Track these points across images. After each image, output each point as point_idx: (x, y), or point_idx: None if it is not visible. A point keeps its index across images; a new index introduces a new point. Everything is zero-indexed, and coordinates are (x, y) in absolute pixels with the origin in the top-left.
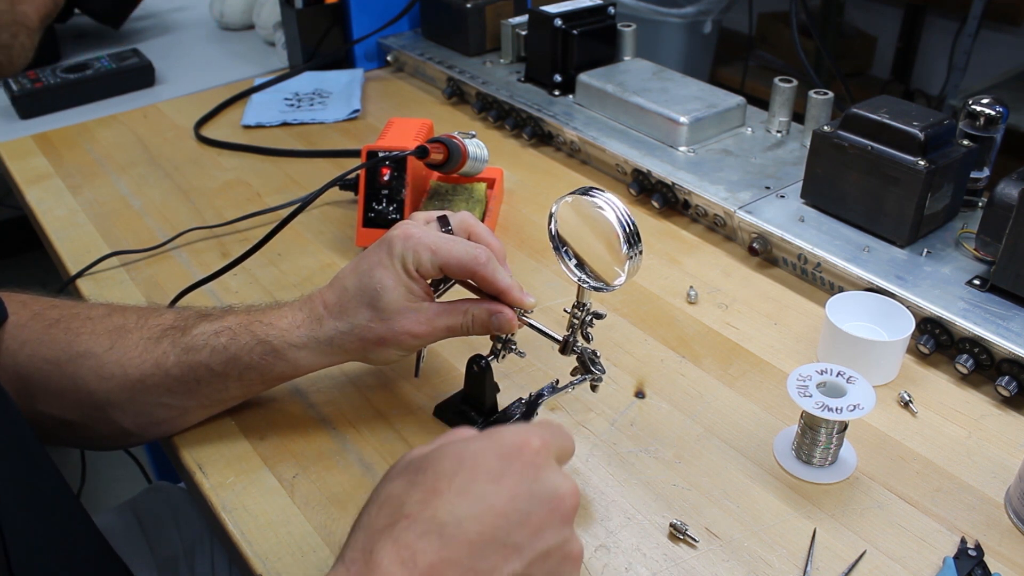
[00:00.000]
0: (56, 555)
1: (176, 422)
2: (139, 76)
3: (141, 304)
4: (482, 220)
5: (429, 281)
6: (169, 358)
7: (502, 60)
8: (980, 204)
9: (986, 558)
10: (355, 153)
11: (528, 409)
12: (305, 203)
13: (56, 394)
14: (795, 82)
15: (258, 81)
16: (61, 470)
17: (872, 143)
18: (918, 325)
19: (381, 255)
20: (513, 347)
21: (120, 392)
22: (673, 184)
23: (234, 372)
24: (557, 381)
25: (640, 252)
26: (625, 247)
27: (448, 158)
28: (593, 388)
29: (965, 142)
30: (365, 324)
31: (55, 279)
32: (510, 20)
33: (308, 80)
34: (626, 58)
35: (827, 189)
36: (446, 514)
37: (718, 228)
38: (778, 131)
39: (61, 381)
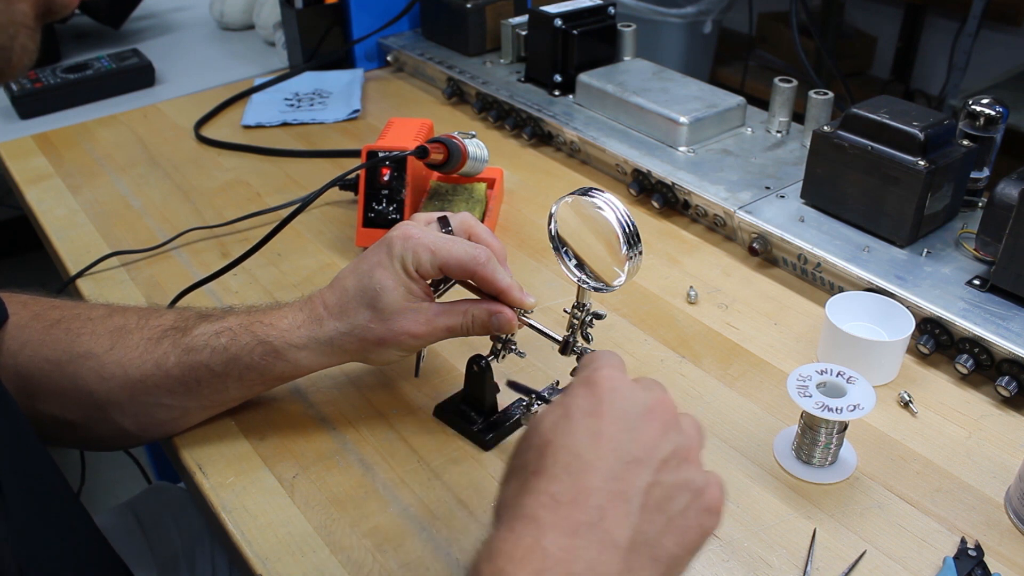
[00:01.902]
0: (58, 554)
1: (176, 423)
2: (139, 76)
3: (141, 304)
4: (482, 220)
5: (429, 282)
6: (170, 359)
7: (502, 60)
8: (980, 204)
9: (986, 558)
10: (355, 153)
11: (527, 410)
12: (305, 203)
13: (57, 394)
14: (795, 82)
15: (258, 81)
16: (61, 469)
17: (872, 143)
18: (918, 325)
19: (381, 256)
20: (513, 347)
21: (120, 392)
22: (673, 184)
23: (234, 372)
24: (557, 382)
25: (640, 252)
26: (625, 247)
27: (448, 158)
28: None
29: (965, 142)
30: (365, 325)
31: (55, 279)
32: (510, 20)
33: (308, 80)
34: (626, 58)
35: (827, 189)
36: (564, 453)
37: (718, 228)
38: (778, 131)
39: (62, 381)
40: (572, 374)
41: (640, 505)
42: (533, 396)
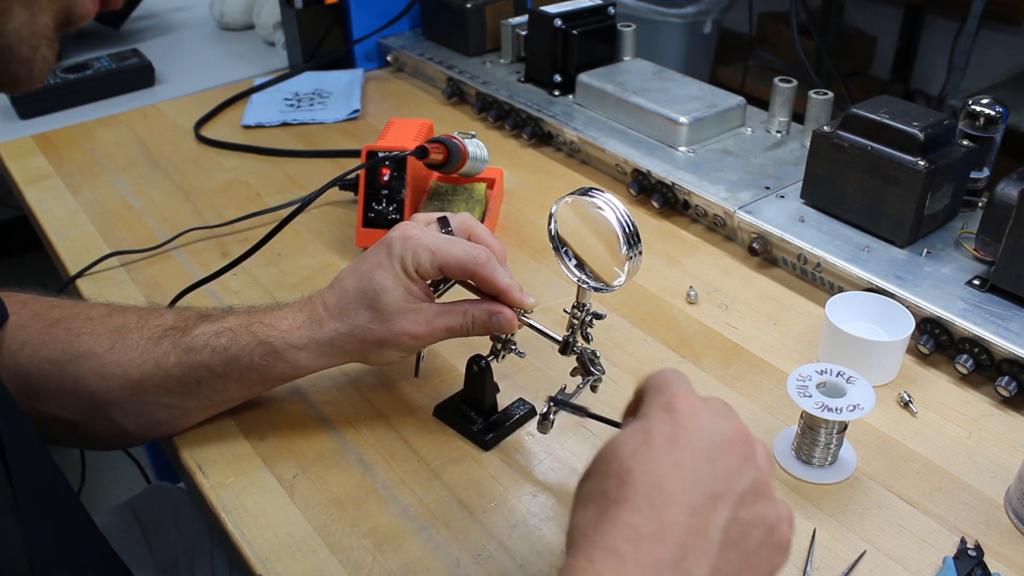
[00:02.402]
0: (61, 554)
1: (176, 422)
2: (139, 76)
3: (141, 304)
4: (482, 220)
5: (429, 282)
6: (170, 358)
7: (502, 60)
8: (980, 204)
9: (986, 558)
10: (355, 153)
11: (542, 416)
12: (305, 203)
13: (57, 394)
14: (795, 82)
15: (258, 81)
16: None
17: (872, 143)
18: (918, 325)
19: (381, 256)
20: (513, 347)
21: (120, 392)
22: (673, 184)
23: (234, 373)
24: (564, 387)
25: (640, 252)
26: (625, 247)
27: (448, 158)
28: (593, 388)
29: (965, 142)
30: (365, 325)
31: (55, 279)
32: (510, 20)
33: (308, 80)
34: (626, 58)
35: (827, 189)
36: (646, 483)
37: (718, 228)
38: (778, 131)
39: (62, 381)
40: (572, 374)
41: (719, 543)
42: (584, 415)
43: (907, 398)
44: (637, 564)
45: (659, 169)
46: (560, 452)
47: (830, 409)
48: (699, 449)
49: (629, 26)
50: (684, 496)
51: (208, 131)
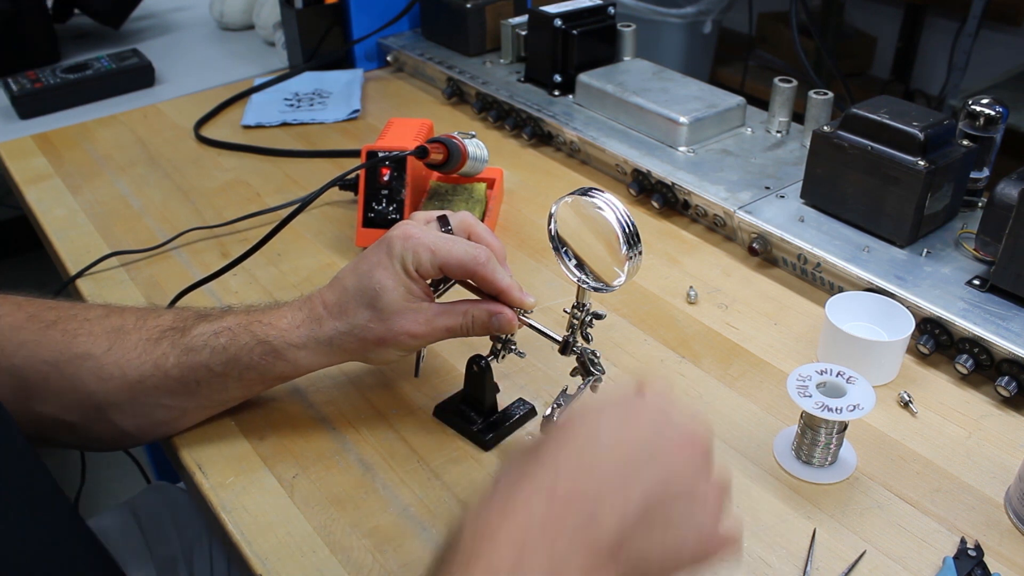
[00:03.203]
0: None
1: (175, 423)
2: (139, 76)
3: (141, 304)
4: (482, 220)
5: (429, 281)
6: (169, 359)
7: (502, 60)
8: (980, 204)
9: (986, 558)
10: (355, 153)
11: (545, 418)
12: (305, 203)
13: (55, 395)
14: (795, 82)
15: (258, 81)
16: (61, 470)
17: (872, 143)
18: (918, 325)
19: (381, 255)
20: (513, 347)
21: (119, 393)
22: (673, 184)
23: (234, 372)
24: (567, 388)
25: (640, 252)
26: (625, 247)
27: (448, 158)
28: (593, 388)
29: (965, 142)
30: (364, 324)
31: (55, 279)
32: (510, 20)
33: (308, 80)
34: (626, 58)
35: (827, 189)
36: (565, 459)
37: (718, 228)
38: (778, 131)
39: (59, 382)
40: (572, 374)
41: (634, 522)
42: None
43: (907, 398)
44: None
45: (659, 169)
46: None
47: (830, 409)
48: (639, 426)
49: (629, 26)
50: (609, 465)
51: (208, 131)
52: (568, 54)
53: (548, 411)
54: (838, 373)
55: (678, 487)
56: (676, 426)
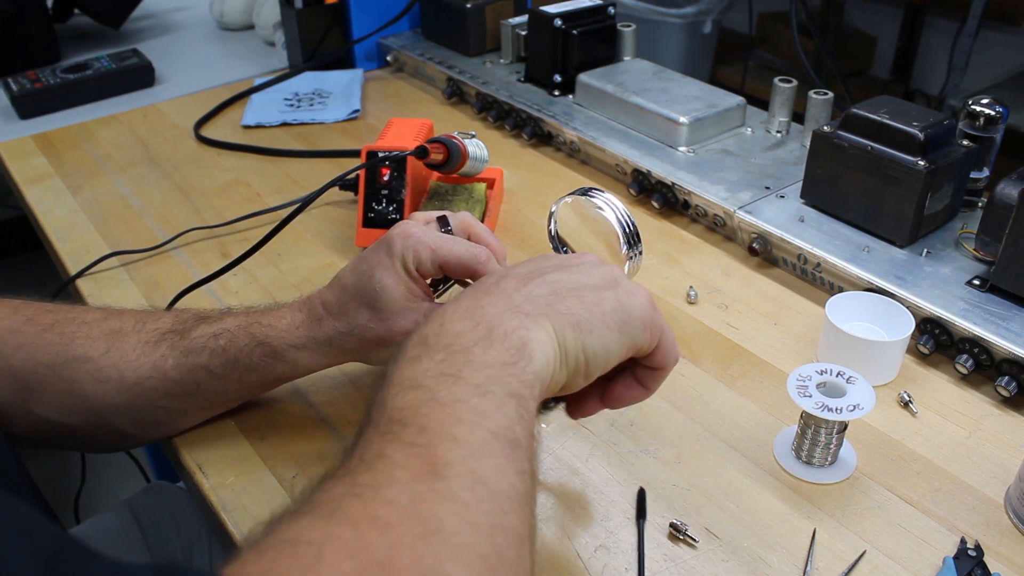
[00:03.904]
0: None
1: (175, 424)
2: (139, 76)
3: (141, 304)
4: (482, 220)
5: (429, 281)
6: (168, 361)
7: (502, 60)
8: (980, 204)
9: (986, 558)
10: (355, 153)
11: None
12: (305, 203)
13: (53, 398)
14: (795, 82)
15: (258, 81)
16: (61, 470)
17: (872, 143)
18: (918, 325)
19: (381, 255)
20: None
21: (117, 396)
22: (673, 184)
23: (234, 374)
24: None
25: (640, 252)
26: (625, 247)
27: (448, 158)
28: None
29: (965, 142)
30: (364, 324)
31: (55, 279)
32: (510, 20)
33: (308, 80)
34: (626, 58)
35: (827, 189)
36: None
37: (718, 228)
38: (778, 131)
39: (57, 385)
40: None
41: (547, 283)
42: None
43: (907, 398)
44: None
45: (659, 169)
46: (560, 452)
47: (830, 409)
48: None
49: (629, 26)
50: (510, 280)
51: (208, 131)
52: (568, 54)
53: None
54: (838, 373)
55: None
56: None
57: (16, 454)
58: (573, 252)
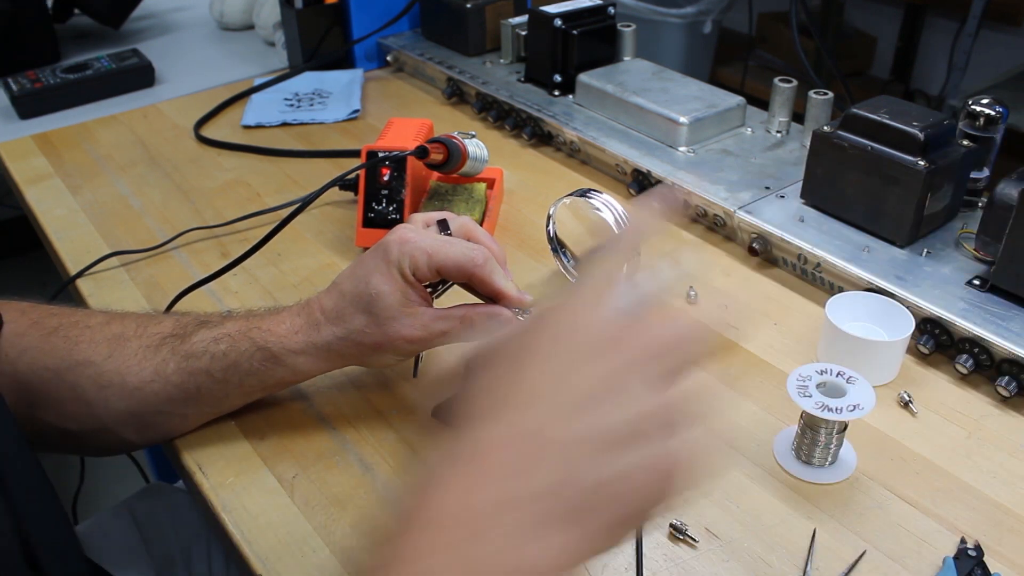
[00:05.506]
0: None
1: (175, 428)
2: (139, 76)
3: (141, 305)
4: (482, 220)
5: (427, 285)
6: (169, 365)
7: (502, 60)
8: (980, 204)
9: (986, 558)
10: (355, 153)
11: None
12: (305, 203)
13: (56, 402)
14: (795, 82)
15: (258, 81)
16: (59, 470)
17: (872, 143)
18: (918, 325)
19: (378, 260)
20: None
21: (119, 400)
22: (673, 184)
23: (234, 379)
24: None
25: (639, 254)
26: None
27: (448, 158)
28: None
29: (965, 142)
30: (361, 329)
31: (55, 279)
32: (510, 20)
33: (308, 80)
34: (626, 58)
35: (827, 189)
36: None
37: (718, 228)
38: (778, 131)
39: (60, 389)
40: None
41: (562, 460)
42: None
43: (907, 398)
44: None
45: (659, 169)
46: None
47: (830, 409)
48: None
49: (629, 26)
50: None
51: (208, 131)
52: (568, 54)
53: None
54: (838, 373)
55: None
56: (592, 332)
57: (36, 459)
58: (572, 254)
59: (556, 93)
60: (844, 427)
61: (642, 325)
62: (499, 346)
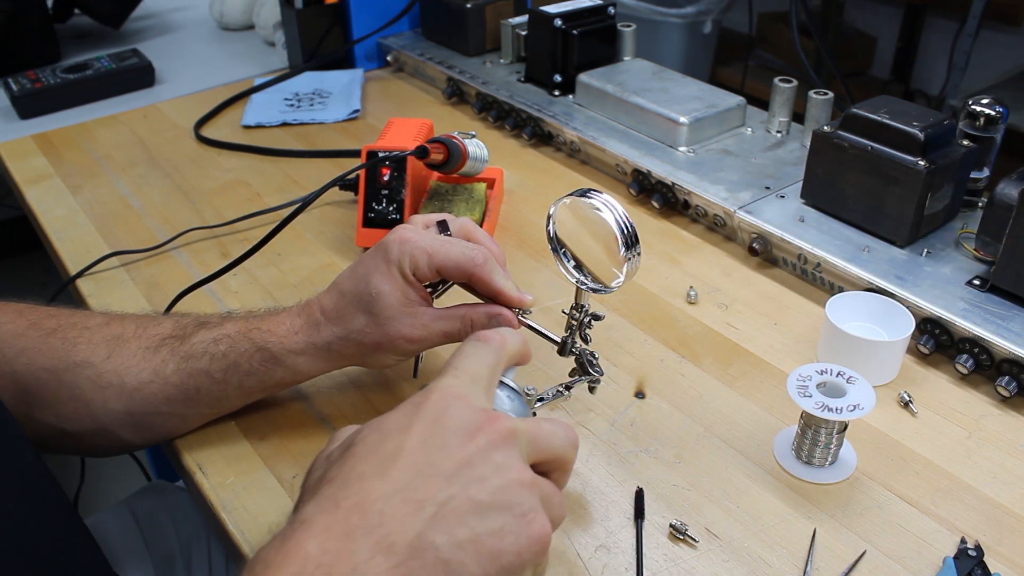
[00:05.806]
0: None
1: (175, 429)
2: (139, 76)
3: (141, 305)
4: (482, 221)
5: (427, 285)
6: (168, 366)
7: (502, 60)
8: (980, 204)
9: (986, 558)
10: (355, 153)
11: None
12: (305, 203)
13: (54, 403)
14: (795, 82)
15: (258, 81)
16: (60, 470)
17: (872, 143)
18: (918, 325)
19: (378, 261)
20: None
21: (118, 401)
22: (673, 184)
23: (234, 379)
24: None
25: (638, 254)
26: (623, 249)
27: (448, 158)
28: (591, 390)
29: (965, 142)
30: (361, 329)
31: (55, 279)
32: (510, 20)
33: (308, 80)
34: (626, 58)
35: (827, 189)
36: (361, 462)
37: (718, 228)
38: (778, 131)
39: (59, 390)
40: (570, 375)
41: (433, 514)
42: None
43: (907, 398)
44: (326, 531)
45: (659, 169)
46: None
47: (830, 409)
48: (429, 433)
49: (629, 26)
50: (399, 474)
51: (208, 131)
52: (568, 54)
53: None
54: (838, 373)
55: (476, 476)
56: (461, 420)
57: (43, 461)
58: (572, 254)
59: (556, 93)
60: (844, 427)
61: (507, 417)
62: (380, 422)
